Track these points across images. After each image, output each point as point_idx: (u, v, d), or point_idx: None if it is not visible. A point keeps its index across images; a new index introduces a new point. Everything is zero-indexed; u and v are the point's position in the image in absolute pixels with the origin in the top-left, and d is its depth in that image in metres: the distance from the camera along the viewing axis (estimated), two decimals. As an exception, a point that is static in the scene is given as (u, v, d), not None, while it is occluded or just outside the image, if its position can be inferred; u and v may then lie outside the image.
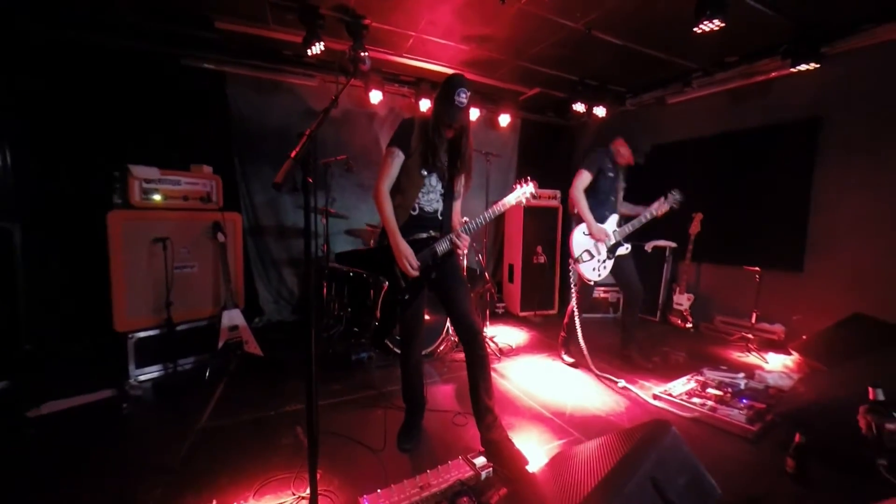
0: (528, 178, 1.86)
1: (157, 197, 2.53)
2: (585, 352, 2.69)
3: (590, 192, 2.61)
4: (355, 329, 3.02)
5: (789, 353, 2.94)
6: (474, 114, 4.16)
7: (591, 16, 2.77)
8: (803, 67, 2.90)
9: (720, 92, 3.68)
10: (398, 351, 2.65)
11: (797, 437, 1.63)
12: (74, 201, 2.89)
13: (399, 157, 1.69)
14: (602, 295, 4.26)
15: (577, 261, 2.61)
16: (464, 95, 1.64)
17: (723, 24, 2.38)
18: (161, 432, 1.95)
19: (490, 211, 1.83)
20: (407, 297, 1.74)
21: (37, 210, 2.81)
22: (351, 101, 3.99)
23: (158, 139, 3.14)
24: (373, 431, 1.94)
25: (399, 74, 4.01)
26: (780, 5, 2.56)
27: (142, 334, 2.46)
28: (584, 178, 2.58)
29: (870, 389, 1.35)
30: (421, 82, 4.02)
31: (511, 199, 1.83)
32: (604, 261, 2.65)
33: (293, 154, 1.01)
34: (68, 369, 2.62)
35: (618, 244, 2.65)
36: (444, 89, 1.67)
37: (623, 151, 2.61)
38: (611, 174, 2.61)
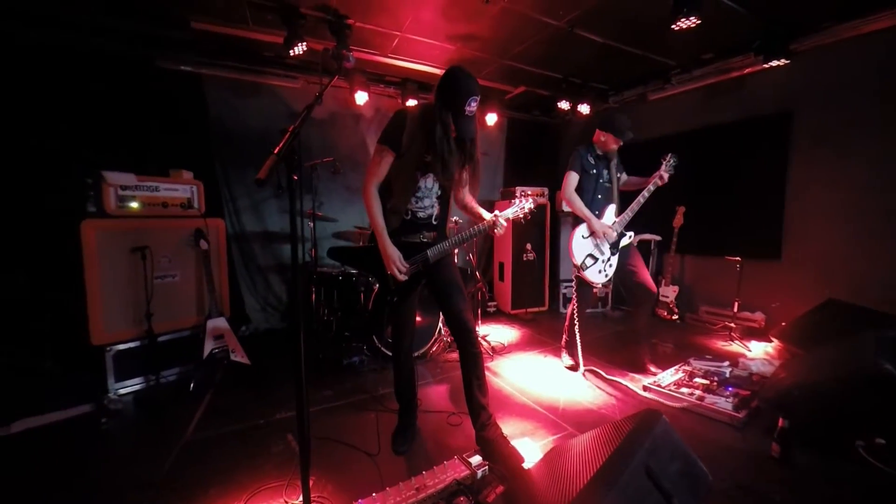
0: (527, 192, 1.73)
1: (134, 204, 2.45)
2: (580, 352, 2.66)
3: (578, 191, 2.54)
4: (346, 333, 2.98)
5: (770, 340, 3.03)
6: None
7: (572, 14, 2.79)
8: (774, 63, 3.00)
9: (698, 88, 3.78)
10: (389, 353, 2.65)
11: (781, 422, 1.68)
12: (43, 210, 2.75)
13: (389, 156, 1.61)
14: (594, 290, 4.30)
15: (581, 268, 2.48)
16: (474, 104, 1.49)
17: (698, 21, 2.44)
18: (144, 446, 1.88)
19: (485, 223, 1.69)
20: (396, 299, 1.72)
21: (1, 220, 2.67)
22: (336, 102, 3.94)
23: (134, 144, 3.03)
24: (367, 435, 1.91)
25: (384, 75, 3.98)
26: (749, 3, 2.63)
27: (121, 346, 2.37)
28: (572, 179, 2.53)
29: None
30: (407, 82, 4.00)
31: (509, 213, 1.69)
32: (608, 259, 2.53)
33: (276, 150, 1.00)
34: (41, 386, 2.49)
35: (620, 235, 2.54)
36: (451, 94, 1.48)
37: (603, 139, 2.53)
38: (594, 171, 2.55)
